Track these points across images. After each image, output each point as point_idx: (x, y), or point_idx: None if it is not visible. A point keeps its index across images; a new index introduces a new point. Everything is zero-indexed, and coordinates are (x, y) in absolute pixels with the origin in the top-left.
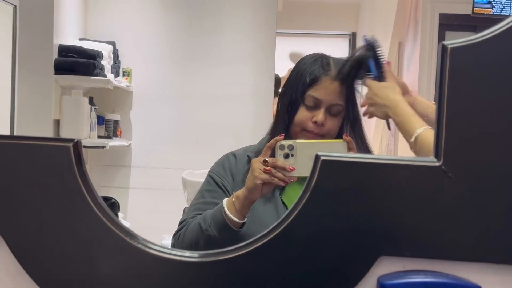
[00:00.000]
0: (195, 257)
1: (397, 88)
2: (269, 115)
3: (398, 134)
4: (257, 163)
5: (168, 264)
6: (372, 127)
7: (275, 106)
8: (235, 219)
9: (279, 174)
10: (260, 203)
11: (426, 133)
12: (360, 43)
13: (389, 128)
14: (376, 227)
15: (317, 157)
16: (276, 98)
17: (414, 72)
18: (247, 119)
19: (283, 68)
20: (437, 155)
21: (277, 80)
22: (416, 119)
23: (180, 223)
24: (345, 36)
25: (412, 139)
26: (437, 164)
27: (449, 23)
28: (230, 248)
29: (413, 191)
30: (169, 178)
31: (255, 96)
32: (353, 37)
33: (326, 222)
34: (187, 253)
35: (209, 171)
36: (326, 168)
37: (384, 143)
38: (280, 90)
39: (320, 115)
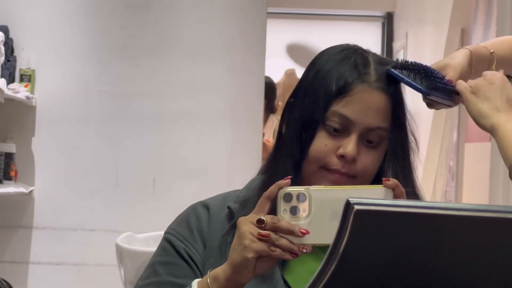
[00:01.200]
0: None
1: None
2: (257, 143)
3: (462, 176)
4: (247, 225)
5: None
6: (420, 165)
7: (267, 130)
8: None
9: (283, 242)
10: (250, 285)
11: None
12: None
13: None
14: None
15: (347, 205)
16: (271, 118)
17: None
18: (221, 150)
19: (277, 67)
20: None
21: (270, 87)
22: None
23: None
24: (376, 19)
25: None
26: None
27: None
28: None
29: (504, 259)
30: (96, 246)
31: (235, 114)
32: (388, 20)
33: None
34: None
35: (165, 233)
36: (362, 224)
37: (439, 189)
38: (284, 103)
39: (350, 145)
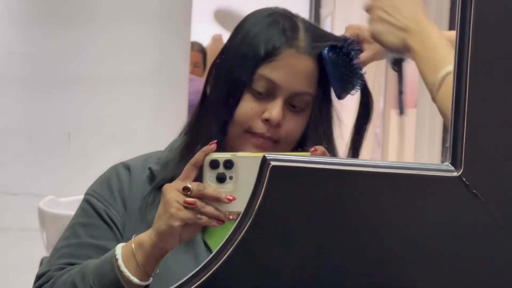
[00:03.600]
0: None
1: (422, 5)
2: (182, 106)
3: (388, 143)
4: (173, 192)
5: None
6: (346, 132)
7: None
8: (135, 280)
9: (209, 209)
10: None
11: None
12: None
13: (400, 82)
14: (359, 276)
15: (264, 161)
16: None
17: None
18: (145, 114)
19: (203, 33)
20: (454, 161)
21: (202, 51)
22: (449, 51)
23: (39, 277)
24: None
25: (439, 76)
26: (455, 174)
27: None
28: None
29: (418, 214)
30: (16, 210)
31: (160, 77)
32: None
33: (276, 270)
34: None
35: (86, 194)
36: (278, 181)
37: (365, 157)
38: (213, 65)
39: (275, 110)
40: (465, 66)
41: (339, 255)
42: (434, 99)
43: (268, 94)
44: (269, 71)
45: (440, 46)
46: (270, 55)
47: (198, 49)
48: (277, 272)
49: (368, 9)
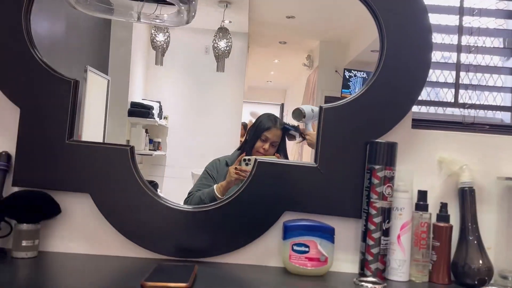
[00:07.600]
0: (189, 208)
1: None
2: (236, 142)
3: (304, 152)
4: (232, 168)
5: (175, 212)
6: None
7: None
8: (220, 196)
9: (243, 174)
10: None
11: None
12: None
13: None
14: (284, 197)
15: (255, 160)
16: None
17: None
18: (227, 143)
19: (247, 119)
20: (315, 160)
21: (245, 125)
22: None
23: (189, 193)
24: (277, 105)
25: None
26: (315, 165)
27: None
28: (209, 204)
29: (302, 180)
30: (184, 172)
31: (231, 133)
32: (281, 106)
33: (258, 194)
34: (185, 206)
35: (205, 168)
36: (260, 166)
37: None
38: (248, 130)
39: (267, 146)
40: None
41: None
42: None
43: (265, 140)
44: (267, 133)
45: None
46: (268, 128)
47: (243, 125)
48: (257, 197)
49: None
